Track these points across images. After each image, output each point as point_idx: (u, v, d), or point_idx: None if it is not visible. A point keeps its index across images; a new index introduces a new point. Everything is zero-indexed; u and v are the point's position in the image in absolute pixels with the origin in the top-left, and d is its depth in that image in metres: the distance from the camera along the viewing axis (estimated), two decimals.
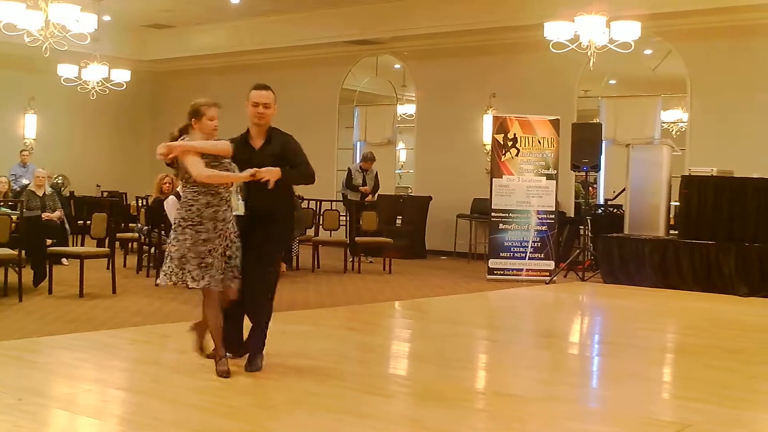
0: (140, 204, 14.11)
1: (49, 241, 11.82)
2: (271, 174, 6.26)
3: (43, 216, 12.72)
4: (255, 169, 6.23)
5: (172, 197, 11.96)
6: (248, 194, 6.55)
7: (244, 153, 6.48)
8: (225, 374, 6.15)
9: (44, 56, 13.85)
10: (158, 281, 6.52)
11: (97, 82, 17.56)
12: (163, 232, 11.80)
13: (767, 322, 10.41)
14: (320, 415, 5.42)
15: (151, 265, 12.60)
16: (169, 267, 6.28)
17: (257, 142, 6.58)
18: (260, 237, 6.46)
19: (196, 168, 6.23)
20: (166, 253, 6.39)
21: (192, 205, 6.31)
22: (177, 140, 6.47)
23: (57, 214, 13.79)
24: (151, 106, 22.71)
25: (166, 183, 12.92)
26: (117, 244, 12.98)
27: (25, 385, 5.97)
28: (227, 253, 6.30)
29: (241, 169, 6.38)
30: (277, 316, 6.69)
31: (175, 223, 6.36)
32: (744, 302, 11.79)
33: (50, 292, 10.38)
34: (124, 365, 7.04)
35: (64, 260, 12.41)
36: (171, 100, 22.41)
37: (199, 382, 6.17)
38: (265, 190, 6.29)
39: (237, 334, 6.66)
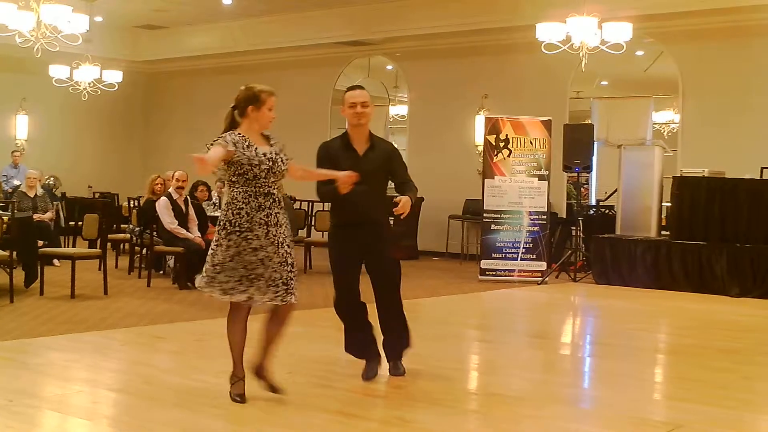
0: (132, 205, 14.09)
1: (40, 243, 11.79)
2: (406, 207, 6.20)
3: (34, 217, 12.70)
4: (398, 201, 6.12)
5: (164, 198, 11.97)
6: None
7: (347, 159, 6.17)
8: (240, 398, 5.58)
9: (36, 57, 13.82)
10: (198, 285, 5.75)
11: (89, 83, 17.52)
12: (155, 233, 11.78)
13: (759, 322, 10.42)
14: (312, 416, 5.42)
15: (142, 266, 12.58)
16: (207, 274, 5.58)
17: (361, 147, 6.31)
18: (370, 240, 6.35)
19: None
20: (208, 255, 5.62)
21: (241, 209, 5.53)
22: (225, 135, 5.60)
23: (49, 215, 13.78)
24: (143, 107, 22.68)
25: (158, 184, 12.90)
26: (109, 245, 12.96)
27: (16, 387, 5.96)
28: (289, 260, 5.62)
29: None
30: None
31: (219, 226, 5.58)
32: (736, 303, 11.82)
33: (42, 293, 10.36)
34: (116, 366, 7.02)
35: (55, 261, 12.39)
36: (163, 101, 22.42)
37: (190, 383, 6.16)
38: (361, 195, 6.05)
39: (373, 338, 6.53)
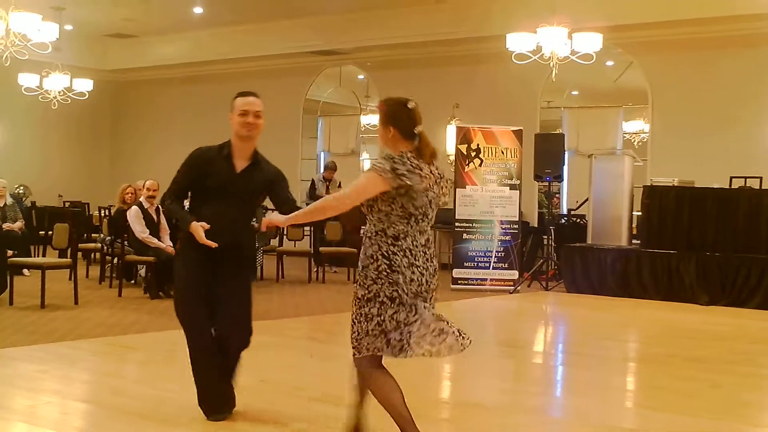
0: (103, 214, 14.01)
1: (9, 252, 11.70)
2: (269, 222, 5.07)
3: (3, 226, 12.60)
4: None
5: (135, 207, 11.92)
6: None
7: (220, 172, 5.42)
8: None
9: (5, 65, 13.74)
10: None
11: (59, 92, 17.43)
12: (126, 243, 11.71)
13: (727, 331, 10.49)
14: (282, 426, 5.40)
15: (113, 275, 12.50)
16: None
17: (241, 163, 5.47)
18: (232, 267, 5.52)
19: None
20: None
21: None
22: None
23: (18, 224, 13.68)
24: (112, 116, 22.57)
25: (128, 193, 12.84)
26: (79, 254, 12.87)
27: None
28: None
29: (212, 191, 5.41)
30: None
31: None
32: (705, 311, 11.90)
33: (11, 303, 10.27)
34: (86, 377, 6.98)
35: (25, 271, 12.30)
36: (131, 109, 22.33)
37: (160, 394, 6.13)
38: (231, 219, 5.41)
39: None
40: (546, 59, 13.19)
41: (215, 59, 19.81)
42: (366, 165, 21.29)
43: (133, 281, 12.70)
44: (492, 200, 13.75)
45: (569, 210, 16.40)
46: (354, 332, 4.69)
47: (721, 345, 9.43)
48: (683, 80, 15.19)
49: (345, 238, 14.65)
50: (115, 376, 6.90)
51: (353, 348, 4.72)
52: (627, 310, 12.00)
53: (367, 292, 4.63)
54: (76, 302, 10.51)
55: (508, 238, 13.76)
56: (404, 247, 4.60)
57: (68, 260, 11.22)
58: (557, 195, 17.33)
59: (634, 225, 13.90)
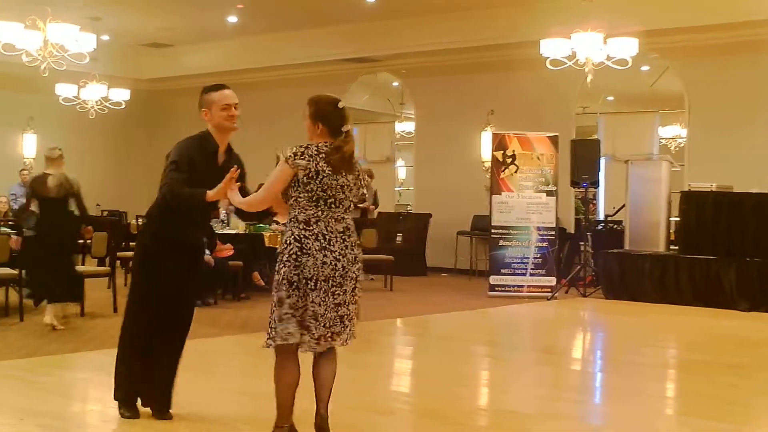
0: (140, 223, 14.09)
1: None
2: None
3: None
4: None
5: None
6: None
7: (206, 165, 5.45)
8: None
9: (43, 76, 13.88)
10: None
11: (96, 102, 17.59)
12: None
13: None
14: None
15: None
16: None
17: (220, 157, 5.55)
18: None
19: None
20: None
21: None
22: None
23: None
24: (148, 125, 22.71)
25: None
26: (118, 262, 12.95)
27: (26, 405, 5.95)
28: None
29: (199, 183, 5.28)
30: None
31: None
32: (745, 317, 11.79)
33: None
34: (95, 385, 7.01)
35: None
36: (168, 119, 22.42)
37: (198, 398, 6.15)
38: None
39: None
40: (581, 65, 13.16)
41: (249, 68, 19.88)
42: (402, 172, 21.34)
43: None
44: (528, 206, 13.69)
45: (606, 216, 16.31)
46: (270, 320, 4.84)
47: (762, 351, 9.34)
48: (720, 84, 15.06)
49: (379, 245, 14.67)
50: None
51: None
52: (665, 316, 11.91)
53: (279, 277, 4.80)
54: (114, 310, 10.56)
55: (545, 244, 13.70)
56: (316, 231, 4.78)
57: (107, 268, 11.33)
58: (594, 201, 17.25)
59: (672, 231, 13.80)
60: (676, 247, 13.44)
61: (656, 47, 15.16)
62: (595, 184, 14.37)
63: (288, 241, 4.79)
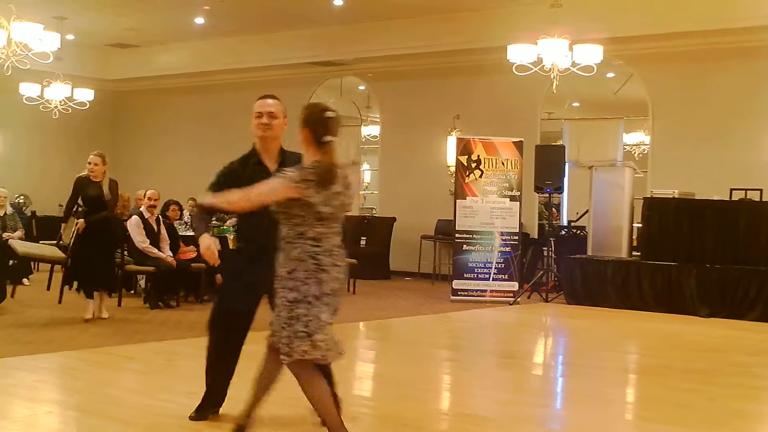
0: None
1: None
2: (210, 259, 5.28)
3: (3, 236, 12.61)
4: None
5: (135, 217, 11.92)
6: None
7: (257, 175, 5.28)
8: None
9: (6, 75, 13.77)
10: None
11: (60, 101, 17.46)
12: (125, 252, 11.69)
13: (725, 343, 10.49)
14: None
15: None
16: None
17: (272, 164, 5.59)
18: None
19: None
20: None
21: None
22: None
23: (18, 234, 13.67)
24: (113, 126, 22.55)
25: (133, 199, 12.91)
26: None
27: None
28: None
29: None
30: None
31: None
32: (705, 323, 11.89)
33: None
34: (84, 387, 6.96)
35: (25, 280, 12.30)
36: (132, 119, 22.34)
37: (158, 404, 6.12)
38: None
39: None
40: (547, 71, 13.22)
41: (216, 69, 19.83)
42: (367, 176, 21.33)
43: (132, 291, 12.69)
44: (492, 211, 13.74)
45: (569, 221, 16.41)
46: (284, 337, 4.75)
47: (719, 357, 9.43)
48: (683, 92, 15.20)
49: None
50: (114, 386, 6.90)
51: (283, 354, 4.76)
52: (626, 321, 11.99)
53: (298, 294, 4.73)
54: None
55: (508, 249, 13.75)
56: (327, 247, 4.77)
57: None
58: (557, 206, 17.34)
59: (634, 237, 13.90)
60: (638, 253, 13.53)
61: (621, 54, 15.28)
62: (559, 189, 14.43)
63: (302, 258, 4.73)
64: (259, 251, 5.33)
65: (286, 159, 5.58)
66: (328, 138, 4.88)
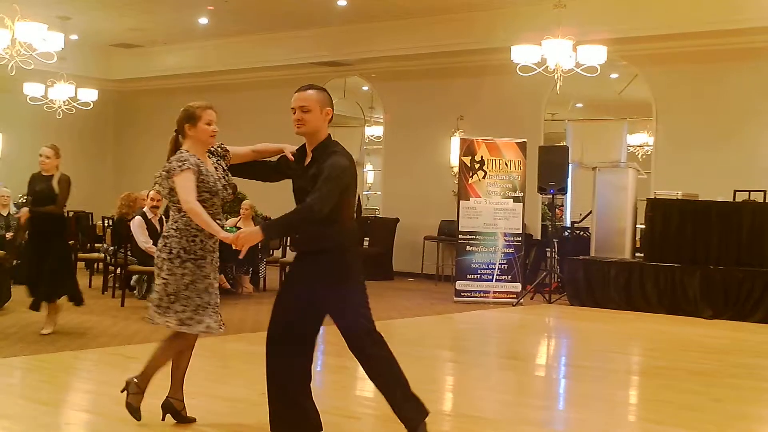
0: (106, 224, 14.01)
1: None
2: (247, 240, 4.84)
3: (6, 236, 12.60)
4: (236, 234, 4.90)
5: (138, 217, 11.92)
6: None
7: (294, 169, 5.25)
8: (136, 413, 5.49)
9: (10, 75, 13.78)
10: (155, 320, 5.37)
11: (64, 101, 17.47)
12: (129, 253, 11.70)
13: (729, 344, 10.47)
14: None
15: (116, 285, 12.51)
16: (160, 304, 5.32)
17: (306, 159, 5.23)
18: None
19: (186, 192, 5.18)
20: (159, 287, 5.33)
21: (196, 236, 5.28)
22: (172, 155, 5.39)
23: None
24: (117, 126, 22.59)
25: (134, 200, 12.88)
26: (83, 264, 12.88)
27: None
28: (216, 285, 5.46)
29: (296, 187, 5.16)
30: (243, 338, 6.66)
31: (171, 254, 5.25)
32: (708, 324, 11.87)
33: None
34: (88, 387, 6.97)
35: None
36: (136, 119, 22.34)
37: (160, 404, 6.11)
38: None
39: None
40: (550, 71, 13.21)
41: (220, 70, 19.84)
42: (370, 176, 21.33)
43: (135, 291, 12.69)
44: (495, 212, 13.72)
45: (573, 222, 16.40)
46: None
47: (723, 358, 9.41)
48: (687, 93, 15.18)
49: None
50: (117, 386, 6.87)
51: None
52: (630, 323, 11.98)
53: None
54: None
55: (511, 250, 13.74)
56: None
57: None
58: (561, 207, 17.32)
59: (637, 238, 13.89)
60: (642, 255, 13.52)
61: (625, 55, 15.26)
62: (563, 190, 14.41)
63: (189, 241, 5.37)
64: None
65: (317, 157, 5.14)
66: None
